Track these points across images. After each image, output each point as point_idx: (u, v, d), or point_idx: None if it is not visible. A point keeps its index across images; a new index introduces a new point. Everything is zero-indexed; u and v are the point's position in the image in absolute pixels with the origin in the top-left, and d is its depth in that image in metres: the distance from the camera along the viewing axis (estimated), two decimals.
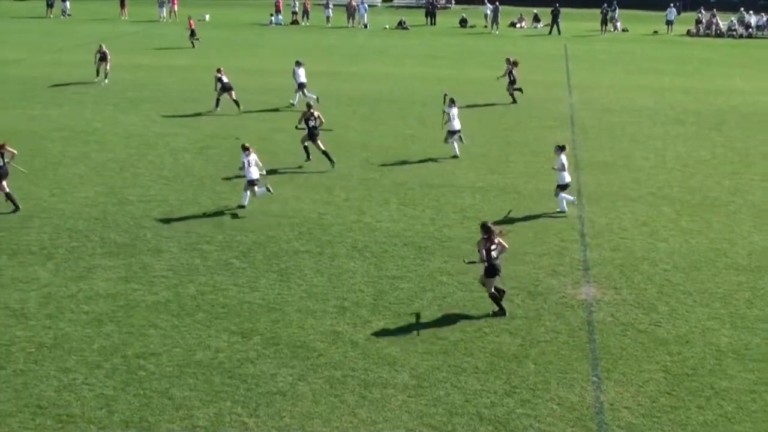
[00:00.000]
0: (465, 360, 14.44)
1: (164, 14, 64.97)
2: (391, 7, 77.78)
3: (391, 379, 13.82)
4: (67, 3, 66.53)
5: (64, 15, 65.73)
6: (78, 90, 36.99)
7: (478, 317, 16.01)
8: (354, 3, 64.29)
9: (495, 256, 15.95)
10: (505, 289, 16.59)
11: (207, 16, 65.72)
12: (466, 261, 16.96)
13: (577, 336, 15.35)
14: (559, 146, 22.23)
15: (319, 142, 25.57)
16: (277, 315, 16.09)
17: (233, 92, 32.76)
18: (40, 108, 33.05)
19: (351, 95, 37.08)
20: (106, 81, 37.95)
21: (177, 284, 17.37)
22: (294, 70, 34.38)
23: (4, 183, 21.44)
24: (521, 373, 14.04)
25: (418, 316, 16.07)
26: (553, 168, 22.38)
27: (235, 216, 21.43)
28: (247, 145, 22.29)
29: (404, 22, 63.35)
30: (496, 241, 15.96)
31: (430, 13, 66.79)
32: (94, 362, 14.23)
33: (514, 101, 35.64)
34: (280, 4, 65.03)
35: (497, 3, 63.03)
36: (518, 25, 65.97)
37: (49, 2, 66.33)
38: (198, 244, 19.57)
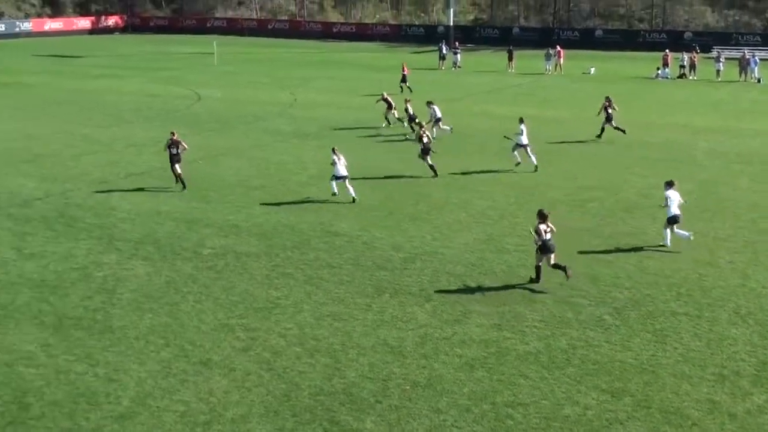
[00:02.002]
0: None
1: (549, 67, 65.98)
2: None
3: None
4: (458, 56, 69.76)
5: (455, 67, 68.94)
6: (465, 138, 38.48)
7: None
8: (747, 56, 61.21)
9: (548, 237, 19.75)
10: (564, 265, 19.94)
11: (592, 70, 65.77)
12: (532, 233, 20.08)
13: None
14: (667, 182, 23.22)
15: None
16: (649, 377, 15.51)
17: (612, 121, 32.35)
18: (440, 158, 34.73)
19: (739, 152, 35.24)
20: (383, 125, 40.36)
21: (548, 336, 17.36)
22: (431, 108, 37.54)
23: (177, 166, 28.69)
24: None
25: None
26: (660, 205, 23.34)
27: (610, 272, 21.07)
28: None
29: None
30: (549, 225, 19.81)
31: None
32: (464, 406, 14.56)
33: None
34: (668, 58, 63.53)
35: None
36: None
37: (441, 55, 69.99)
38: (571, 297, 19.44)
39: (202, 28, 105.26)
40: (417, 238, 23.90)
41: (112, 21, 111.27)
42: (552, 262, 20.11)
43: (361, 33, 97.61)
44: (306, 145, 37.28)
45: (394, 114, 41.07)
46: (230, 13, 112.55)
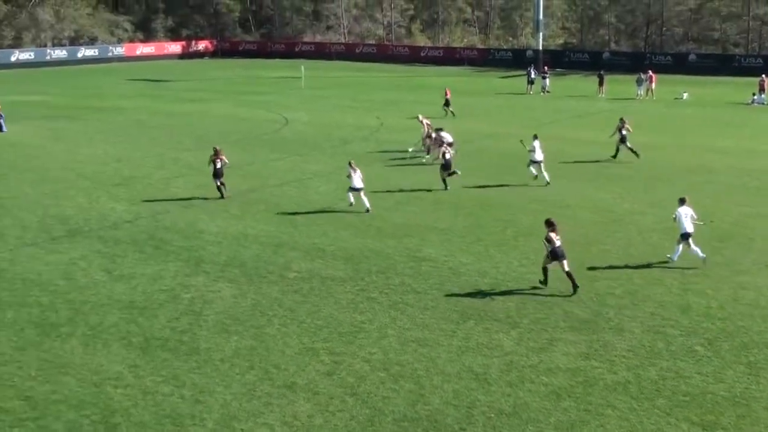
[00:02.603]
0: None
1: (641, 92, 65.18)
2: None
3: None
4: (547, 80, 69.45)
5: (543, 91, 68.63)
6: (558, 164, 38.28)
7: None
8: None
9: (558, 245, 21.08)
10: (574, 277, 21.20)
11: (685, 95, 64.76)
12: (546, 251, 21.45)
13: None
14: (680, 199, 23.67)
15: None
16: (743, 410, 15.17)
17: None
18: (518, 181, 34.58)
19: None
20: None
21: (638, 366, 17.11)
22: (439, 134, 37.12)
23: (218, 181, 31.47)
24: None
25: None
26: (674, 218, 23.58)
27: (703, 302, 20.67)
28: None
29: None
30: (558, 233, 21.15)
31: None
32: None
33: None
34: (765, 84, 62.14)
35: None
36: None
37: (530, 79, 69.77)
38: (661, 326, 19.14)
39: (290, 52, 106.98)
40: (504, 264, 23.82)
41: (202, 45, 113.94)
42: (565, 268, 21.30)
43: (449, 57, 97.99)
44: (393, 169, 37.52)
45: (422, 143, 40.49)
46: (318, 38, 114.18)
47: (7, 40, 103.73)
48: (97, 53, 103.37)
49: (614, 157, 38.76)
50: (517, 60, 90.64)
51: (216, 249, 25.57)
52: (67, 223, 28.67)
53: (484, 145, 43.85)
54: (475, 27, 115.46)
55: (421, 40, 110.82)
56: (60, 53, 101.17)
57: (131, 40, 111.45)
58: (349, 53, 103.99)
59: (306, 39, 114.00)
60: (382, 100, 64.39)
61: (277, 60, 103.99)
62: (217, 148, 32.49)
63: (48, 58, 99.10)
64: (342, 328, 19.32)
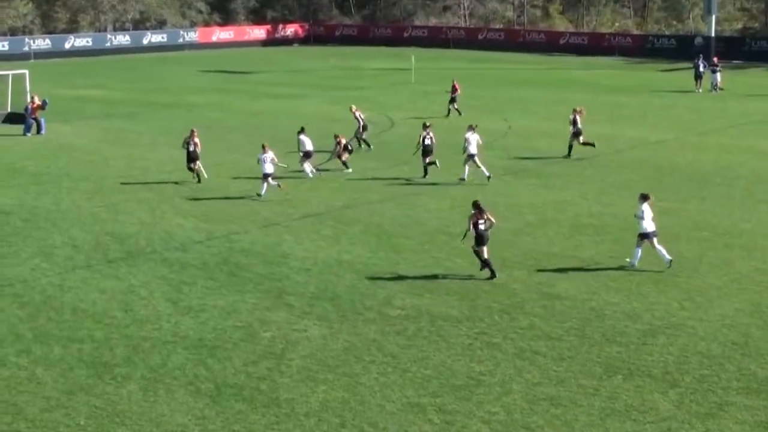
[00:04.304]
0: None
1: None
2: None
3: None
4: (718, 75, 68.21)
5: (714, 89, 67.43)
6: (725, 181, 37.61)
7: None
8: None
9: (483, 228, 25.25)
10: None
11: None
12: (462, 240, 26.27)
13: None
14: (642, 194, 26.81)
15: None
16: None
17: None
18: (677, 201, 34.10)
19: None
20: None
21: None
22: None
23: (194, 165, 37.57)
24: None
25: None
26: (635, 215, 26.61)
27: None
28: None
29: None
30: (485, 216, 25.34)
31: None
32: None
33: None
34: None
35: None
36: None
37: (698, 73, 68.53)
38: None
39: (397, 38, 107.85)
40: (660, 305, 23.47)
41: (290, 30, 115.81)
42: (484, 255, 25.50)
43: (596, 45, 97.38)
44: (521, 183, 37.40)
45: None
46: (433, 21, 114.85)
47: (61, 24, 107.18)
48: (165, 39, 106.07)
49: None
50: (682, 49, 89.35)
51: (302, 278, 25.85)
52: (126, 243, 29.41)
53: (639, 155, 43.34)
54: (629, 8, 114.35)
55: (561, 25, 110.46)
56: (122, 39, 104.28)
57: (206, 24, 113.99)
58: (470, 40, 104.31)
59: (417, 23, 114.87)
60: (510, 98, 64.33)
61: (382, 47, 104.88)
62: (194, 129, 38.58)
63: (108, 44, 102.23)
64: (456, 379, 19.29)
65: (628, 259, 26.57)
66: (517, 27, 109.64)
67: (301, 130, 38.92)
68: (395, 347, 20.96)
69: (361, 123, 45.28)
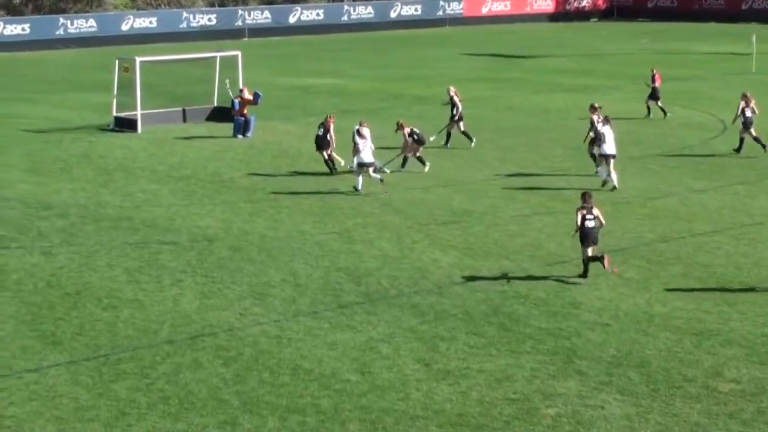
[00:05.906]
0: None
1: None
2: None
3: None
4: None
5: None
6: None
7: None
8: None
9: (590, 225, 28.55)
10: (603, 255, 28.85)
11: None
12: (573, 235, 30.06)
13: None
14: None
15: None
16: None
17: None
18: None
19: None
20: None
21: None
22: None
23: (325, 152, 43.07)
24: None
25: None
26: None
27: None
28: None
29: None
30: (594, 212, 28.74)
31: None
32: None
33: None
34: None
35: None
36: None
37: None
38: None
39: (734, 12, 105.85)
40: None
41: (586, 1, 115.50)
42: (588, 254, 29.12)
43: None
44: None
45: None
46: None
47: None
48: (419, 12, 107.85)
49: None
50: None
51: (599, 336, 25.65)
52: (365, 282, 29.84)
53: None
54: None
55: None
56: (363, 11, 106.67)
57: None
58: None
59: None
60: None
61: (712, 24, 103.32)
62: (331, 116, 44.61)
63: (344, 18, 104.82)
64: None
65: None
66: None
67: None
68: None
69: (460, 109, 47.80)
